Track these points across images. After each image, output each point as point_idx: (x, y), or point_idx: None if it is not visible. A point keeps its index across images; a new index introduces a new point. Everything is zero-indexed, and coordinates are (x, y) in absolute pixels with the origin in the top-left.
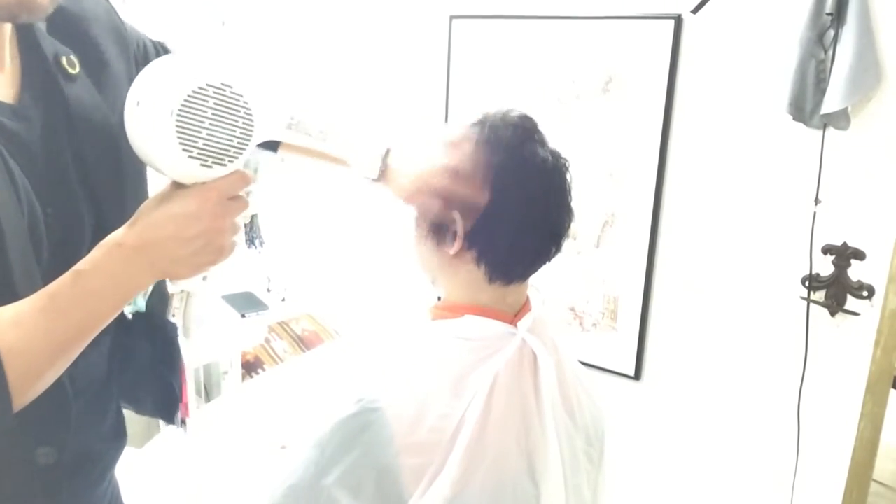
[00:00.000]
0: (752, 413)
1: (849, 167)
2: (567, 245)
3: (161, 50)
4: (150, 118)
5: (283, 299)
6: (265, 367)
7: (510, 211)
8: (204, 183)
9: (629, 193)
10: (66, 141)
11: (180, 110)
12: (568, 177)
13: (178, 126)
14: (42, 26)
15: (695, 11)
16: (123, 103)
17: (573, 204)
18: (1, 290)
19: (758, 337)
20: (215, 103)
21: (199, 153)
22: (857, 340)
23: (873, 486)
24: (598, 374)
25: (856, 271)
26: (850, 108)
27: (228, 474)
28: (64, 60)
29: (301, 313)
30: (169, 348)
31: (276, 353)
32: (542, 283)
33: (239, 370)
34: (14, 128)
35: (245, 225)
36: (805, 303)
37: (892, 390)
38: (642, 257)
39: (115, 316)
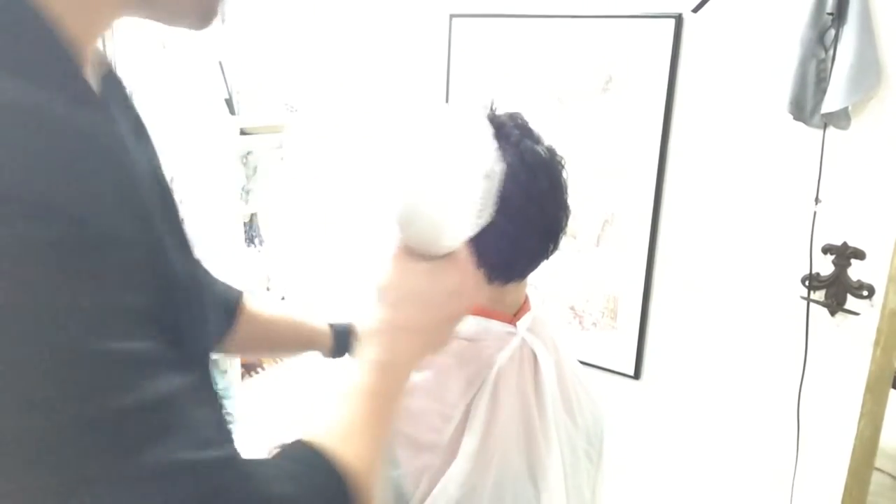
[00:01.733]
0: (752, 412)
1: (849, 167)
2: (567, 244)
3: None
4: (462, 179)
5: (283, 298)
6: (264, 366)
7: (507, 210)
8: (451, 254)
9: (629, 193)
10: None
11: (491, 175)
12: (564, 174)
13: (484, 190)
14: None
15: (695, 11)
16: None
17: (570, 201)
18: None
19: (758, 336)
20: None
21: (477, 220)
22: (857, 340)
23: (883, 478)
24: (597, 374)
25: (856, 271)
26: (850, 108)
27: None
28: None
29: None
30: None
31: None
32: (542, 282)
33: (238, 369)
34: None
35: (244, 224)
36: (805, 302)
37: (891, 390)
38: (642, 256)
39: None
